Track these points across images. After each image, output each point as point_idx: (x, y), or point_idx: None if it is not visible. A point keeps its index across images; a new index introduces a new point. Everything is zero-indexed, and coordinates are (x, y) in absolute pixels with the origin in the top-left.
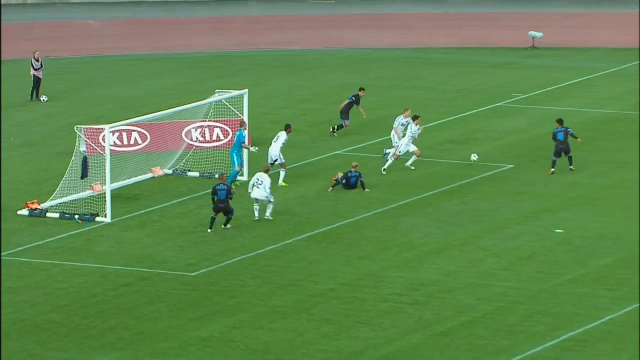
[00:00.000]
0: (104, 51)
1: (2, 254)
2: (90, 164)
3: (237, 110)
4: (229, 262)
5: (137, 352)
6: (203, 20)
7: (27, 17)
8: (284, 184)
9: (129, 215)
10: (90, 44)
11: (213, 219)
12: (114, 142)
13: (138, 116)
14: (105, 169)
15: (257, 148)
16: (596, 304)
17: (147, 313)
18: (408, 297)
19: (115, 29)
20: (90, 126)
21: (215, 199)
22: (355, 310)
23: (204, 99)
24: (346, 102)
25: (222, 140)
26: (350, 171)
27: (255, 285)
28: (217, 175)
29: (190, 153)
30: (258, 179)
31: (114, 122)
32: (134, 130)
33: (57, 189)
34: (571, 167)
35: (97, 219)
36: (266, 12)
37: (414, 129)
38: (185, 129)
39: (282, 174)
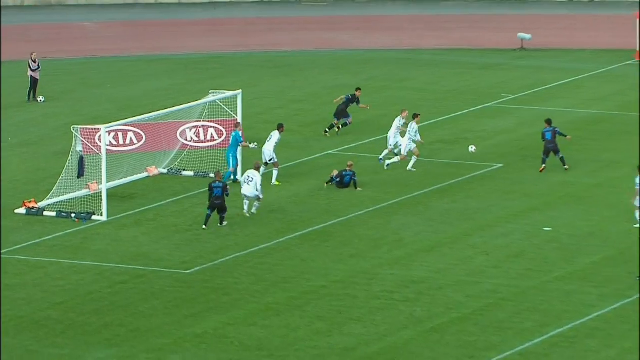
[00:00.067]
0: (100, 52)
1: (0, 252)
2: (86, 164)
3: (231, 111)
4: (223, 260)
5: (132, 348)
6: (197, 22)
7: (24, 19)
8: (277, 183)
9: (125, 214)
10: (87, 45)
11: (208, 216)
12: (110, 142)
13: (134, 116)
14: (101, 169)
15: (256, 144)
16: (584, 300)
17: (142, 310)
18: (399, 294)
19: (112, 30)
20: (87, 126)
21: (212, 196)
22: (347, 307)
23: (198, 100)
24: (342, 99)
25: (216, 140)
26: (345, 170)
27: (249, 283)
28: (212, 175)
29: (185, 153)
30: (249, 176)
31: (110, 123)
32: (130, 131)
33: (54, 188)
34: (565, 167)
35: (94, 217)
36: (259, 15)
37: (414, 127)
38: (180, 129)
39: (275, 173)
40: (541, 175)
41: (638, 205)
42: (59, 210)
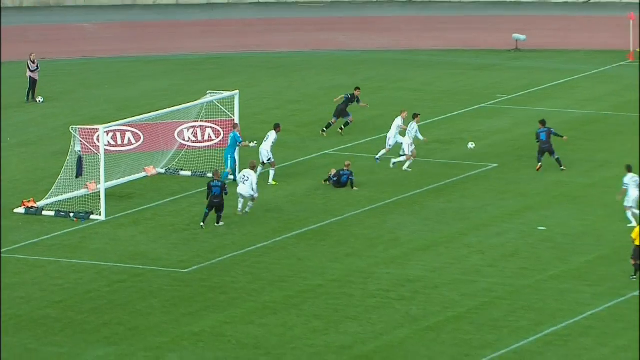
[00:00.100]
0: (98, 53)
1: (0, 251)
2: (85, 164)
3: (229, 111)
4: (220, 259)
5: (131, 346)
6: (195, 23)
7: (23, 20)
8: (274, 182)
9: (123, 214)
10: (85, 46)
11: (206, 214)
12: (108, 142)
13: (132, 117)
14: (99, 168)
15: (255, 142)
16: (578, 299)
17: (140, 309)
18: (395, 293)
19: (110, 31)
20: (85, 126)
21: (210, 195)
22: (343, 305)
23: (196, 100)
24: (342, 98)
25: (213, 140)
26: (343, 169)
27: (246, 282)
28: (209, 175)
29: (183, 153)
30: (244, 176)
31: (108, 123)
32: (128, 131)
33: (53, 187)
34: (562, 167)
35: (92, 217)
36: (256, 16)
37: (414, 127)
38: (178, 129)
39: (272, 173)
40: (536, 175)
41: (629, 205)
42: (58, 210)
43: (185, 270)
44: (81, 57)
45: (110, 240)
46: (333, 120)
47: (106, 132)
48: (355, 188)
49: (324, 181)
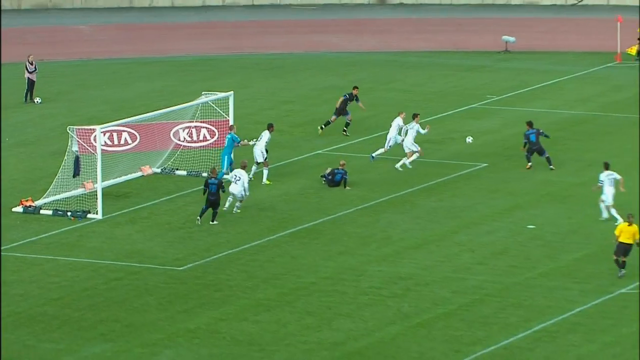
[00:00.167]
0: (95, 55)
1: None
2: (82, 163)
3: (223, 112)
4: (215, 257)
5: (127, 343)
6: (190, 25)
7: (21, 22)
8: (267, 182)
9: (120, 212)
10: (83, 48)
11: (203, 210)
12: (105, 142)
13: (128, 117)
14: (96, 168)
15: (254, 140)
16: (566, 296)
17: (137, 306)
18: (387, 290)
19: (106, 33)
20: (82, 127)
21: (207, 192)
22: (336, 303)
23: (191, 101)
24: (341, 99)
25: (208, 140)
26: (338, 168)
27: (241, 279)
28: (204, 174)
29: (178, 153)
30: (236, 175)
31: (105, 123)
32: (124, 131)
33: (51, 187)
34: (551, 167)
35: (89, 215)
36: (250, 18)
37: (414, 127)
38: (174, 130)
39: (266, 172)
40: (525, 175)
41: (610, 202)
42: (55, 209)
43: (181, 268)
44: (78, 58)
45: (107, 239)
46: (333, 118)
47: (103, 132)
48: (347, 187)
49: (321, 176)
